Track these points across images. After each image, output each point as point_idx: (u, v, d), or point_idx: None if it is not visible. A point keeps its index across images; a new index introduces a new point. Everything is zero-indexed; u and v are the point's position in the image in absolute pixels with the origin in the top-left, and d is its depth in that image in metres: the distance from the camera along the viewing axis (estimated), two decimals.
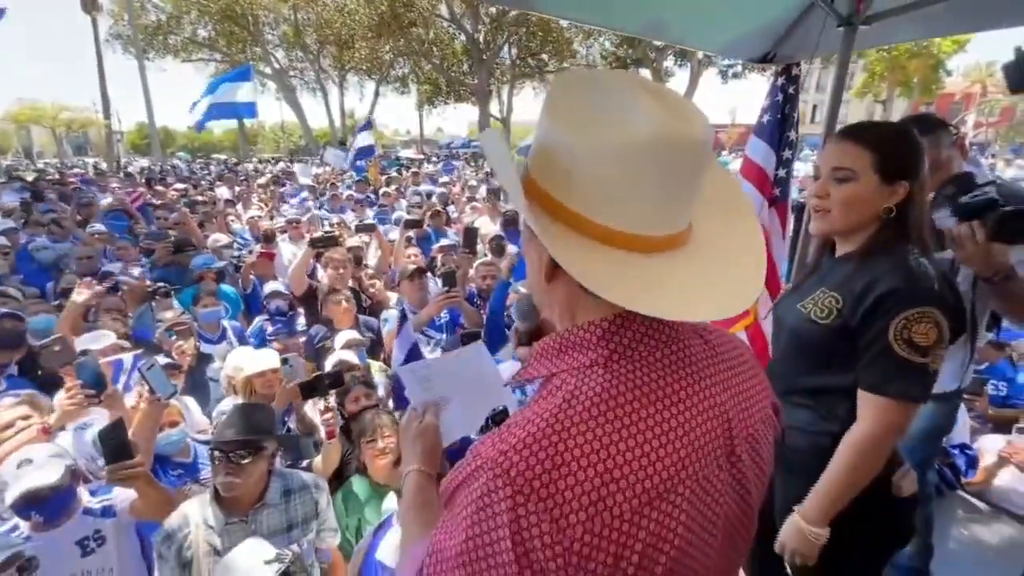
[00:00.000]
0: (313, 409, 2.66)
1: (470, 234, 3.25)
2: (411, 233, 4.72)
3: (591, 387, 0.58)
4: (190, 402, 2.65)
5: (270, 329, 3.91)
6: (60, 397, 2.13)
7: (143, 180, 11.17)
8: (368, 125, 8.49)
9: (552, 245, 0.56)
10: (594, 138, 0.55)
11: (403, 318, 2.99)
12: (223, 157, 31.25)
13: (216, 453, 1.80)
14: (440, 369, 1.06)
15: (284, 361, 2.44)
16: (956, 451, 2.65)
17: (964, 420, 2.84)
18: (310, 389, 2.22)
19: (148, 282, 3.99)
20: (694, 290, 0.59)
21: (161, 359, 2.43)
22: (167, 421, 2.18)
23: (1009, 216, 1.25)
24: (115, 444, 1.61)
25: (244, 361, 2.88)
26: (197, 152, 44.66)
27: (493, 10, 25.91)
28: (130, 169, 15.61)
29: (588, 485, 0.53)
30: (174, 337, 3.13)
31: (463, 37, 27.36)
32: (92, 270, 4.21)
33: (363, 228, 4.84)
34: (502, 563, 0.53)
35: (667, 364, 0.61)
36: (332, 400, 2.30)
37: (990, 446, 2.68)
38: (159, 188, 9.35)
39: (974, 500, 2.61)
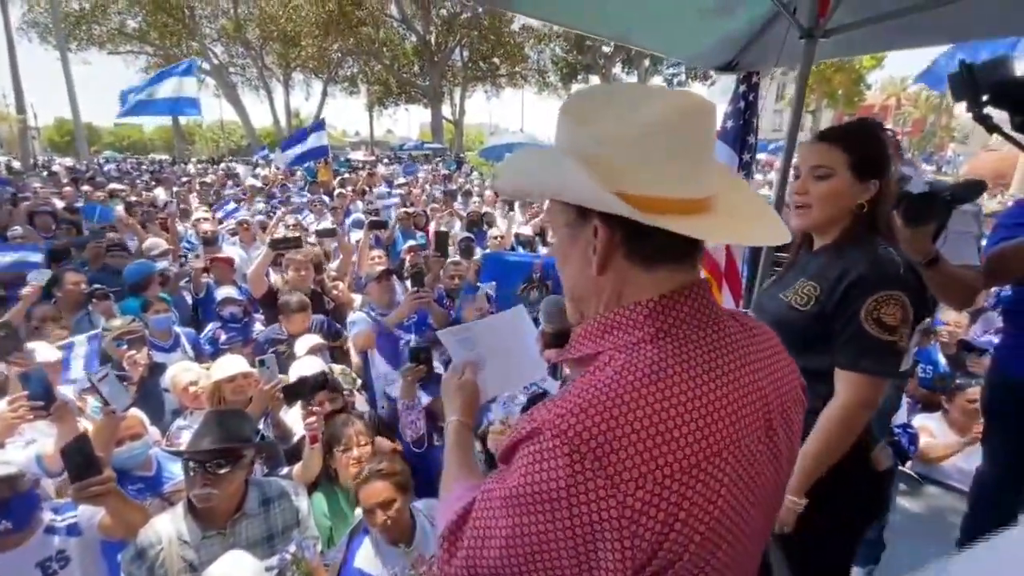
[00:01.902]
0: (286, 413, 2.57)
1: (441, 238, 3.22)
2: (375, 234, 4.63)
3: (642, 360, 0.62)
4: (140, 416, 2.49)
5: (223, 337, 3.74)
6: (2, 408, 1.95)
7: (69, 180, 10.33)
8: (320, 125, 8.22)
9: (634, 213, 0.60)
10: (619, 125, 0.63)
11: (380, 328, 2.94)
12: (158, 157, 29.37)
13: (191, 464, 1.71)
14: (481, 331, 1.14)
15: (261, 363, 2.33)
16: (899, 430, 2.89)
17: (903, 400, 3.09)
18: (294, 393, 2.14)
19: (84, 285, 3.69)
20: (748, 230, 0.71)
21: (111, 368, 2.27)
22: (128, 433, 2.04)
23: (916, 199, 1.38)
24: (81, 459, 1.50)
25: (196, 369, 2.74)
26: (126, 151, 41.75)
27: (444, 12, 25.82)
28: (55, 168, 14.37)
29: (641, 446, 0.58)
30: (124, 346, 2.93)
31: (414, 38, 27.07)
32: (17, 276, 3.86)
33: (325, 233, 4.67)
34: (552, 510, 0.58)
35: (710, 343, 0.66)
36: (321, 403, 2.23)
37: (928, 425, 2.94)
38: (86, 188, 8.67)
39: (915, 475, 2.86)
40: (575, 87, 28.75)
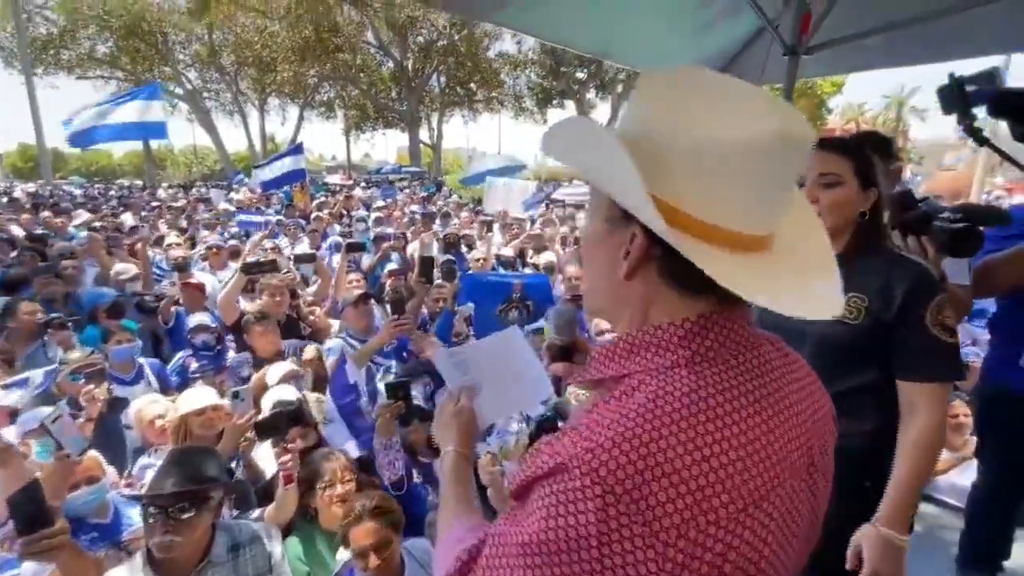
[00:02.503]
0: (257, 449, 2.41)
1: (426, 263, 3.13)
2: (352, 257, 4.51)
3: (678, 388, 0.55)
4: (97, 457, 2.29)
5: (194, 365, 3.54)
6: None
7: (30, 206, 9.92)
8: (298, 148, 8.12)
9: (677, 239, 0.53)
10: (707, 130, 0.54)
11: (342, 359, 2.81)
12: (126, 182, 28.62)
13: (151, 510, 1.55)
14: (475, 354, 1.08)
15: (234, 395, 2.17)
16: None
17: None
18: (269, 428, 1.98)
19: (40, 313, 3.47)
20: (797, 289, 0.58)
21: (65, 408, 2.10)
22: (84, 477, 1.87)
23: (958, 233, 1.39)
24: (31, 509, 1.33)
25: (163, 402, 2.56)
26: (94, 176, 40.70)
27: (421, 38, 26.20)
28: (16, 194, 13.83)
29: (683, 488, 0.50)
30: (82, 381, 2.73)
31: (391, 64, 27.33)
32: None
33: (303, 259, 4.52)
34: (579, 561, 0.50)
35: (750, 369, 0.60)
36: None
37: None
38: (46, 214, 8.30)
39: None
40: (550, 112, 29.41)
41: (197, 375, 3.46)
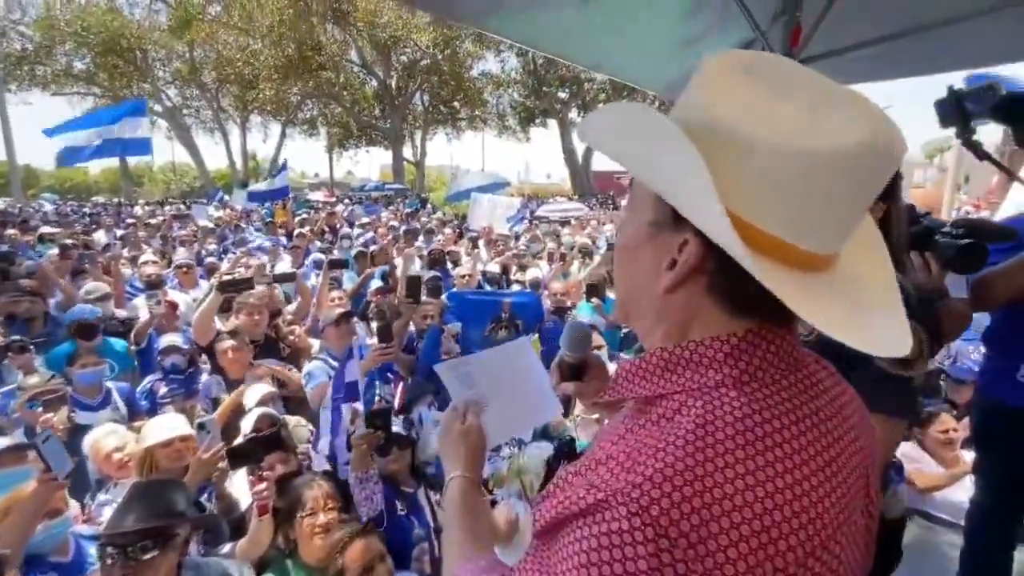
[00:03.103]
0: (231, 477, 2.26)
1: (413, 283, 3.03)
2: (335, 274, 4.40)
3: (727, 411, 0.48)
4: None
5: (163, 390, 3.36)
6: None
7: None
8: (284, 166, 8.14)
9: (756, 264, 0.46)
10: (784, 136, 0.46)
11: (349, 354, 2.67)
12: (101, 199, 28.01)
13: (109, 550, 1.42)
14: (481, 365, 1.00)
15: (200, 427, 2.03)
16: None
17: None
18: (242, 456, 1.85)
19: None
20: (861, 317, 0.52)
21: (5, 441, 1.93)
22: (46, 509, 1.71)
23: (966, 249, 1.36)
24: None
25: (121, 432, 2.40)
26: (68, 194, 39.77)
27: (405, 58, 26.39)
28: None
29: (746, 529, 0.44)
30: (39, 408, 2.55)
31: (374, 82, 27.44)
32: None
33: (282, 278, 4.38)
34: None
35: (803, 391, 0.53)
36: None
37: (907, 452, 2.89)
38: (11, 233, 8.01)
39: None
40: (533, 130, 29.80)
41: (167, 400, 3.30)
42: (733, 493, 0.44)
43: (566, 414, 1.01)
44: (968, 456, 2.67)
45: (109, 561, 1.41)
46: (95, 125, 7.36)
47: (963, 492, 2.54)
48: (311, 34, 22.90)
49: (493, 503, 1.90)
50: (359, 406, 2.34)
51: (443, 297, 3.85)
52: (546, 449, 2.34)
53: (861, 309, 0.52)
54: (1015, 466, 1.89)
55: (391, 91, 26.78)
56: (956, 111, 1.33)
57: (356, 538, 1.59)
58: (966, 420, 2.71)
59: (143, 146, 7.38)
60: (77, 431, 2.65)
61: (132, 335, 3.86)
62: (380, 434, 2.10)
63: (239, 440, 2.10)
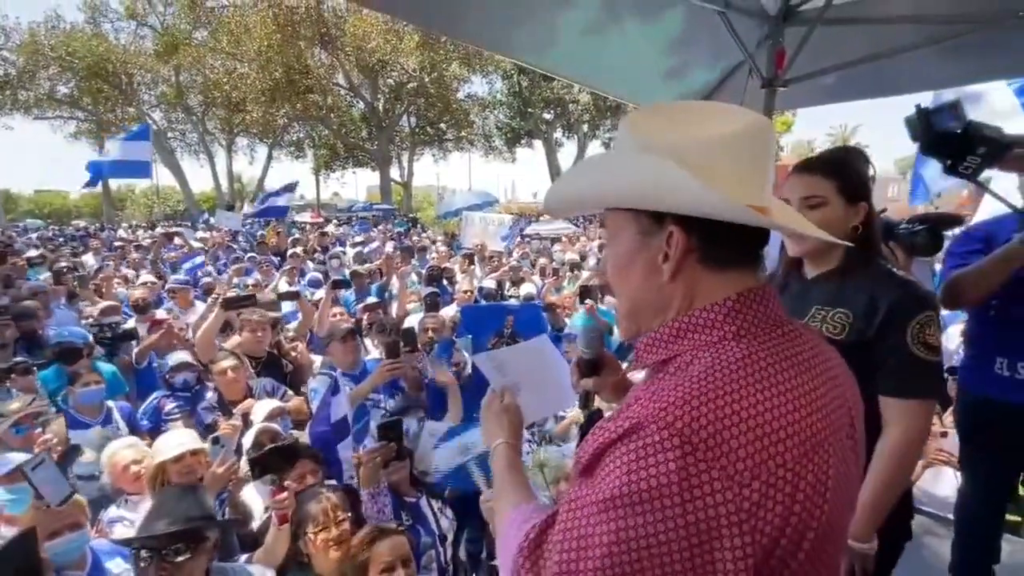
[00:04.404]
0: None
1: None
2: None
3: (731, 357, 0.61)
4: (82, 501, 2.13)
5: (169, 406, 3.36)
6: None
7: None
8: (291, 187, 8.33)
9: (726, 203, 0.61)
10: (700, 135, 0.66)
11: (336, 386, 2.71)
12: (82, 223, 27.55)
13: (143, 553, 1.46)
14: (511, 356, 1.18)
15: (215, 441, 2.07)
16: None
17: None
18: (263, 466, 1.89)
19: None
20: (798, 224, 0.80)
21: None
22: (67, 523, 1.72)
23: (923, 234, 1.49)
24: (24, 564, 1.23)
25: (140, 447, 2.40)
26: (47, 218, 39.10)
27: (392, 80, 26.73)
28: None
29: (752, 435, 0.56)
30: (22, 434, 2.51)
31: (361, 105, 27.68)
32: None
33: (286, 296, 4.42)
34: (661, 508, 0.54)
35: (786, 341, 0.66)
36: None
37: None
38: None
39: None
40: (519, 151, 30.25)
41: (174, 416, 3.30)
42: (739, 410, 0.57)
43: (585, 407, 1.07)
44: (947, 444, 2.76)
45: (143, 564, 1.45)
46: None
47: (948, 487, 2.65)
48: (299, 58, 23.12)
49: None
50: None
51: (456, 312, 3.92)
52: (565, 447, 2.50)
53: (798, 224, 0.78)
54: (998, 456, 1.99)
55: (379, 113, 27.03)
56: (923, 129, 1.48)
57: (386, 536, 1.64)
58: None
59: (145, 169, 7.56)
60: (72, 452, 2.64)
61: (134, 355, 3.86)
62: (393, 445, 2.15)
63: (262, 450, 2.13)
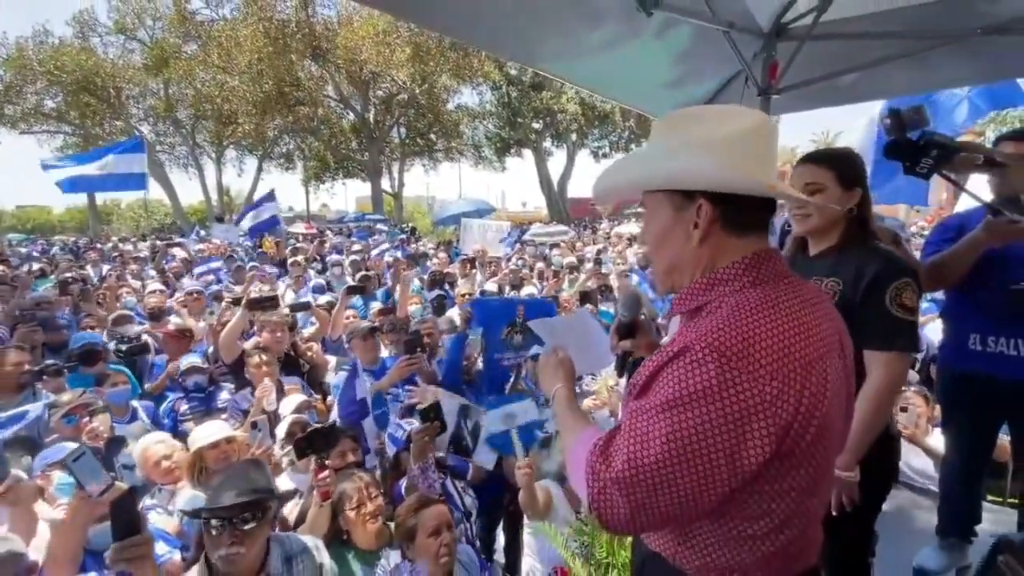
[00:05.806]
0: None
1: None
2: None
3: (751, 300, 0.82)
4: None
5: (183, 408, 3.50)
6: None
7: None
8: (271, 196, 8.22)
9: (748, 180, 0.82)
10: (722, 130, 0.86)
11: (354, 371, 2.90)
12: (68, 238, 27.26)
13: (214, 523, 1.60)
14: (559, 323, 1.42)
15: (253, 425, 2.22)
16: None
17: None
18: (307, 446, 2.04)
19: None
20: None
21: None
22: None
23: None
24: (127, 517, 1.39)
25: (170, 442, 2.54)
26: (31, 233, 38.50)
27: (381, 92, 26.92)
28: None
29: (770, 349, 0.77)
30: (74, 423, 2.65)
31: (352, 116, 27.80)
32: None
33: (298, 307, 4.56)
34: (707, 403, 0.73)
35: (791, 288, 0.86)
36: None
37: None
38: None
39: None
40: (509, 160, 30.49)
41: (187, 417, 3.42)
42: (760, 331, 0.78)
43: (622, 366, 1.25)
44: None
45: (215, 532, 1.58)
46: (95, 160, 7.50)
47: (924, 459, 2.87)
48: (290, 70, 23.22)
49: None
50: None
51: (468, 306, 4.07)
52: None
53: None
54: (979, 428, 2.18)
55: (369, 124, 27.16)
56: (896, 127, 1.69)
57: (430, 503, 1.80)
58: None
59: (140, 181, 7.53)
60: (113, 443, 2.76)
61: (147, 387, 3.92)
62: (437, 424, 2.33)
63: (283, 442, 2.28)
